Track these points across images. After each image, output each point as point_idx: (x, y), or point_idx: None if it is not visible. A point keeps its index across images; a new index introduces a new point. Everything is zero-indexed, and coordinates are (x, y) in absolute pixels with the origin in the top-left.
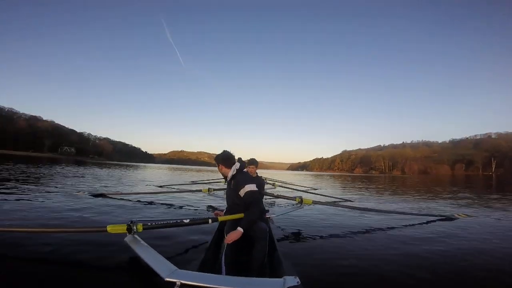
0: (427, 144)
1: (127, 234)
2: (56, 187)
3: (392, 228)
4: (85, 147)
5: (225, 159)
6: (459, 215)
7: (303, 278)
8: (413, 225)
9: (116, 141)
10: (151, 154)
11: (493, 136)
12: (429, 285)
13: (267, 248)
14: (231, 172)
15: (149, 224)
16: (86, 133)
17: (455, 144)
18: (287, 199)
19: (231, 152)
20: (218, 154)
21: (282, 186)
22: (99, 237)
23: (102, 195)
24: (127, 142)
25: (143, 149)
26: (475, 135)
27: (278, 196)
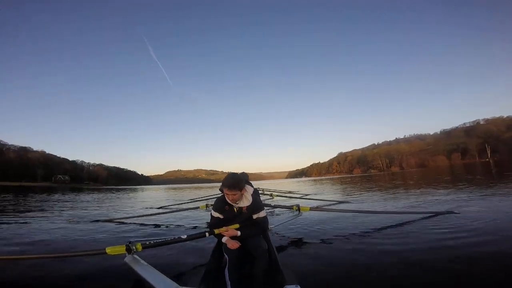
0: (420, 138)
1: (127, 254)
2: (51, 215)
3: (391, 228)
4: (79, 174)
5: (244, 181)
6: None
7: (304, 286)
8: (412, 224)
9: (111, 166)
10: (147, 176)
11: (481, 123)
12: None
13: (267, 262)
14: (248, 197)
15: (147, 243)
16: (79, 161)
17: (447, 134)
18: (284, 208)
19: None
20: (233, 178)
21: (280, 196)
22: (99, 260)
23: (99, 221)
24: (121, 167)
25: (139, 172)
26: (464, 123)
27: (275, 206)
